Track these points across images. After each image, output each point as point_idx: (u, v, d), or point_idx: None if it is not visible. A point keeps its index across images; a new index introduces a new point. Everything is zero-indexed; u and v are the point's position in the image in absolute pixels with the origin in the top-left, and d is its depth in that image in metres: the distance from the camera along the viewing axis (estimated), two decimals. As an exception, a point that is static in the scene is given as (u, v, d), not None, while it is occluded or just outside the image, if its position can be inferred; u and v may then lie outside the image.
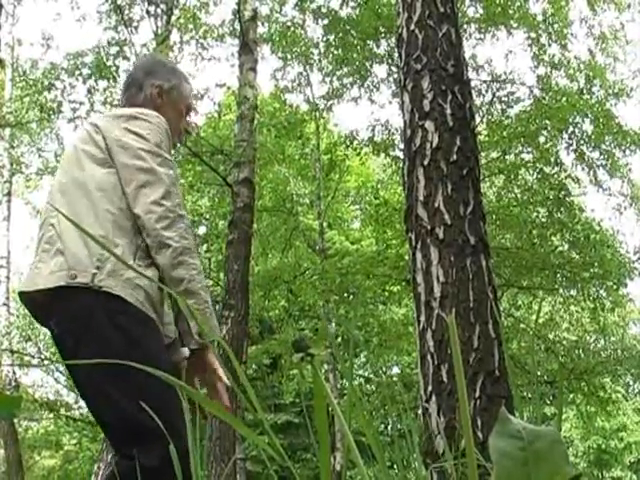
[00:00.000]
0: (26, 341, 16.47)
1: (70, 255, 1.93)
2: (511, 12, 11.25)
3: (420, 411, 3.72)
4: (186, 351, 2.09)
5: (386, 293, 13.04)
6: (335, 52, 11.36)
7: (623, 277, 11.54)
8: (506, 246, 11.55)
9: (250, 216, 8.58)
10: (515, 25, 11.47)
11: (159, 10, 11.11)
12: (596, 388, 12.78)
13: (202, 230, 17.20)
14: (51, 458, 19.21)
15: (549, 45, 11.77)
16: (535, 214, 11.74)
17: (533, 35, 11.59)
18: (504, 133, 11.19)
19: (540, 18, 11.63)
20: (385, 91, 12.64)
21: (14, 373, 13.30)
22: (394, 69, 11.06)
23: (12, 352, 14.04)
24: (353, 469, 10.11)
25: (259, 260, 15.41)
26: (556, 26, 11.67)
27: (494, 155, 11.82)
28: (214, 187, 13.00)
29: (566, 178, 11.44)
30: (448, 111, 4.16)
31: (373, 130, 11.66)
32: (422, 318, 3.81)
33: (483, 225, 4.02)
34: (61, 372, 17.08)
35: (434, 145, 4.09)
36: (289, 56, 12.26)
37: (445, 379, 3.58)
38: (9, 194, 14.31)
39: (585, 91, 11.50)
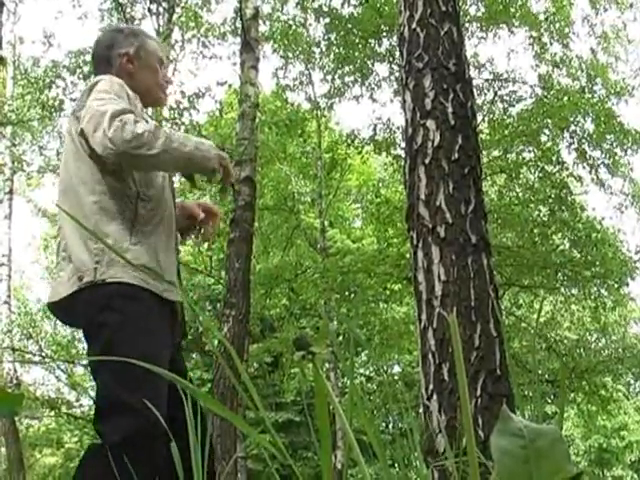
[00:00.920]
0: (27, 339, 16.45)
1: (76, 259, 2.01)
2: (513, 11, 11.24)
3: (421, 410, 3.72)
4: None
5: (387, 292, 13.03)
6: (336, 51, 11.35)
7: (624, 276, 11.53)
8: (507, 245, 11.55)
9: (251, 214, 8.58)
10: (517, 24, 11.46)
11: (161, 8, 11.11)
12: (597, 387, 12.78)
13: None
14: (52, 456, 19.20)
15: (551, 44, 11.78)
16: (536, 213, 11.73)
17: (535, 34, 11.58)
18: (505, 132, 11.19)
19: (542, 17, 11.63)
20: (386, 89, 12.61)
21: (15, 371, 13.32)
22: (395, 67, 11.06)
23: (13, 350, 14.06)
24: (354, 467, 10.11)
25: (260, 258, 15.40)
26: (558, 25, 11.66)
27: (495, 154, 11.81)
28: (215, 185, 12.96)
29: (567, 177, 11.43)
30: (450, 110, 4.15)
31: (374, 129, 11.66)
32: (423, 317, 3.81)
33: (484, 224, 4.02)
34: (62, 370, 17.09)
35: (435, 144, 4.08)
36: (291, 54, 12.26)
37: (446, 378, 3.58)
38: (11, 192, 14.32)
39: (587, 90, 11.49)
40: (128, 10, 10.63)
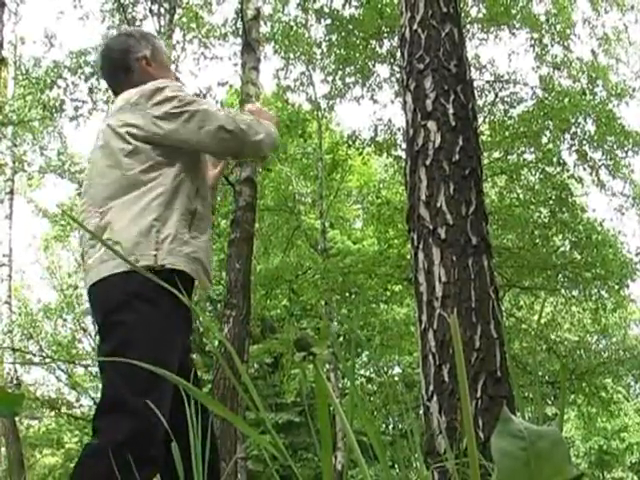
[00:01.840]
0: (28, 339, 16.46)
1: (131, 246, 2.11)
2: (514, 12, 11.24)
3: (421, 411, 3.72)
4: None
5: (388, 293, 13.04)
6: (337, 52, 11.35)
7: (625, 278, 11.54)
8: (508, 246, 11.55)
9: (252, 215, 8.57)
10: (518, 25, 11.46)
11: (162, 9, 11.11)
12: (597, 389, 12.78)
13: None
14: (52, 456, 19.21)
15: (552, 46, 11.77)
16: (537, 214, 11.73)
17: (536, 35, 11.58)
18: (506, 133, 11.20)
19: (543, 19, 11.62)
20: (387, 91, 12.65)
21: (16, 371, 13.33)
22: (396, 69, 11.06)
23: (14, 350, 14.07)
24: (354, 468, 10.11)
25: (261, 259, 15.40)
26: (559, 27, 11.65)
27: (496, 155, 11.82)
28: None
29: (568, 178, 11.44)
30: (451, 111, 4.15)
31: (375, 130, 11.66)
32: (424, 318, 3.81)
33: (485, 225, 4.02)
34: (63, 370, 17.10)
35: (436, 145, 4.08)
36: (292, 55, 12.25)
37: (447, 379, 3.58)
38: (11, 192, 14.32)
39: (588, 92, 11.48)
40: (129, 11, 10.63)
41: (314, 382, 0.66)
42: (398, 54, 6.26)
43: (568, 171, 11.42)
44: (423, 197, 4.00)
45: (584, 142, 11.26)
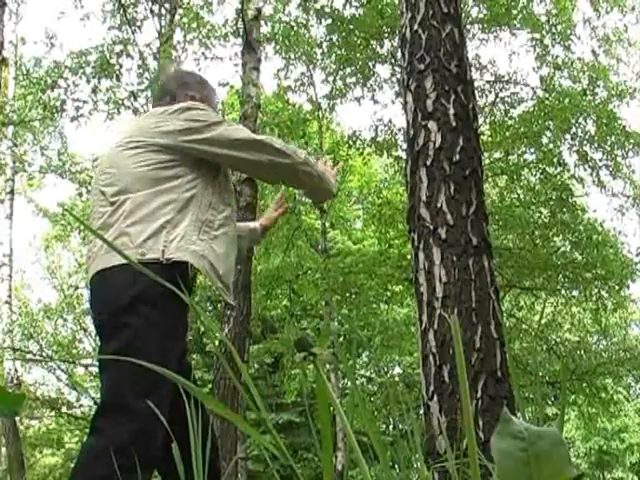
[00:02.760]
0: (28, 339, 16.45)
1: (141, 239, 2.16)
2: (515, 13, 11.24)
3: (422, 411, 3.72)
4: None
5: (388, 293, 13.03)
6: (338, 52, 11.35)
7: (625, 278, 11.53)
8: (508, 246, 11.55)
9: (252, 215, 8.57)
10: (519, 26, 11.46)
11: (163, 9, 11.10)
12: (598, 389, 12.78)
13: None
14: (52, 456, 19.21)
15: (552, 46, 11.77)
16: (537, 215, 11.73)
17: (537, 36, 11.58)
18: (507, 133, 11.19)
19: (544, 19, 11.62)
20: (388, 91, 12.69)
21: (16, 371, 13.32)
22: (397, 69, 11.06)
23: (14, 350, 14.06)
24: (355, 468, 10.11)
25: (261, 259, 15.39)
26: (560, 27, 11.65)
27: (497, 155, 11.82)
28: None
29: (569, 179, 11.44)
30: (451, 111, 4.15)
31: (376, 130, 11.66)
32: (424, 318, 3.81)
33: (485, 225, 4.02)
34: (63, 370, 17.09)
35: (437, 145, 4.08)
36: (292, 56, 12.25)
37: (447, 379, 3.58)
38: (12, 192, 14.30)
39: (588, 92, 11.48)
40: (130, 11, 10.62)
41: (314, 382, 0.66)
42: (399, 54, 6.27)
43: (569, 171, 11.42)
44: (424, 197, 4.00)
45: (585, 142, 11.26)
